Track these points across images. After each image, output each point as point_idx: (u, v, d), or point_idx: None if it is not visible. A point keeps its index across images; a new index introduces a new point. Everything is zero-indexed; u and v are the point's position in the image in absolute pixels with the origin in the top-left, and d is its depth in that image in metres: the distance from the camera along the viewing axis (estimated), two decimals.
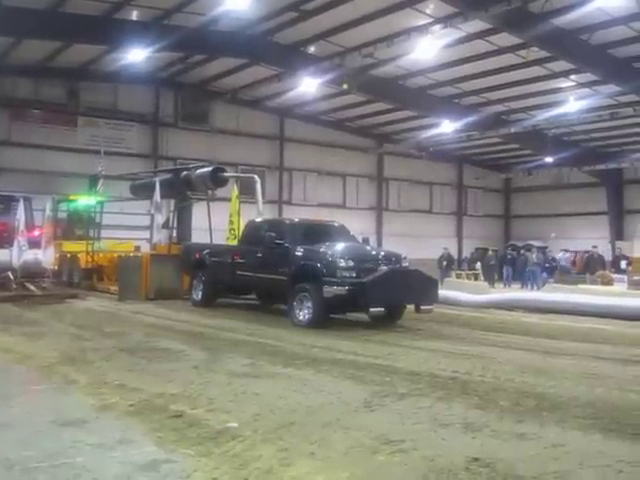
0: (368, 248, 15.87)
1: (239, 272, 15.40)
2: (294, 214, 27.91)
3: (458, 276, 31.66)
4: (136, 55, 23.38)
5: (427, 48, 22.21)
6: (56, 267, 21.98)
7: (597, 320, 15.24)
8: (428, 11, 21.34)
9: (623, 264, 29.72)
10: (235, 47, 24.41)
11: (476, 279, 31.52)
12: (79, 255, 22.05)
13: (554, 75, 25.71)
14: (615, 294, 20.21)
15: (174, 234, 20.75)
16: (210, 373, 8.14)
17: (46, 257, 19.57)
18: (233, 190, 19.66)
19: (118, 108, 30.36)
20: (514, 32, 21.47)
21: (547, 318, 15.89)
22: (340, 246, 14.06)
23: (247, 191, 20.79)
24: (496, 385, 7.73)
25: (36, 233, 20.72)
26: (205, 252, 17.05)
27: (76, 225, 24.43)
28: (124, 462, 4.76)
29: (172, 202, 22.11)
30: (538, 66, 24.82)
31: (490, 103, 30.25)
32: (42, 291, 18.68)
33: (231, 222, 19.08)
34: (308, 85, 26.92)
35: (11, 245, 19.18)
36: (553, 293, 19.93)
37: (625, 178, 37.54)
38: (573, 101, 27.11)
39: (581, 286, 23.86)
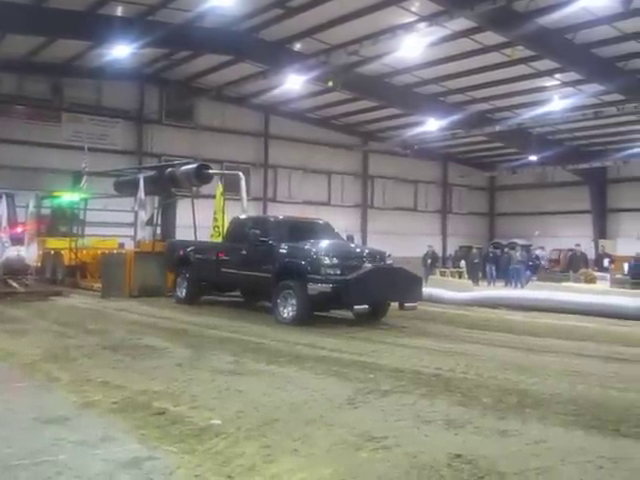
0: (352, 246, 15.90)
1: (223, 269, 15.37)
2: (279, 211, 27.84)
3: (442, 274, 31.75)
4: (121, 51, 23.28)
5: (412, 46, 22.23)
6: (39, 264, 21.88)
7: (580, 318, 15.34)
8: (414, 9, 21.38)
9: (606, 262, 29.92)
10: (220, 44, 24.35)
11: (460, 277, 31.61)
12: (62, 252, 21.90)
13: (539, 74, 25.85)
14: (598, 292, 20.33)
15: (158, 231, 20.68)
16: (194, 370, 8.13)
17: (29, 254, 19.47)
18: (218, 187, 19.62)
19: (102, 104, 30.22)
20: (499, 31, 21.57)
21: (531, 316, 15.97)
22: (324, 244, 14.07)
23: (232, 188, 20.78)
24: (479, 382, 7.76)
25: (19, 230, 20.63)
26: (189, 249, 17.01)
27: (60, 222, 24.25)
28: (106, 459, 4.74)
29: (156, 199, 22.06)
30: (523, 65, 24.95)
31: (475, 101, 30.35)
32: (25, 288, 18.57)
33: (215, 219, 19.04)
34: (293, 82, 26.89)
35: None
36: (536, 291, 20.03)
37: (608, 177, 37.83)
38: (557, 100, 27.26)
39: (564, 284, 24.00)
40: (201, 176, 19.34)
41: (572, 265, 29.25)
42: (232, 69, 28.20)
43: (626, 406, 6.70)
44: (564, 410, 6.44)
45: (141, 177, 20.18)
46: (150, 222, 21.03)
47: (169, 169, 20.16)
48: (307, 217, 19.01)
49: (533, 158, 34.22)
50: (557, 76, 26.06)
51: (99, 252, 21.16)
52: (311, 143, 36.15)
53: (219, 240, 17.56)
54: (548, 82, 26.78)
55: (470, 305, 18.28)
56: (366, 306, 12.85)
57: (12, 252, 19.11)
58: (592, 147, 35.93)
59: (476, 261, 31.44)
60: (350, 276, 12.75)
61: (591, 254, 32.36)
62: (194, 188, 21.06)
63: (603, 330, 13.64)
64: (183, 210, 20.66)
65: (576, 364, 9.25)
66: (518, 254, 29.47)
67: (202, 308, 15.75)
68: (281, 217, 16.91)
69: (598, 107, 27.50)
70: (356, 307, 12.84)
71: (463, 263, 33.41)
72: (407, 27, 21.11)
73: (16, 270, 19.32)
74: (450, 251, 41.01)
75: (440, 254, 37.61)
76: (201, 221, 20.05)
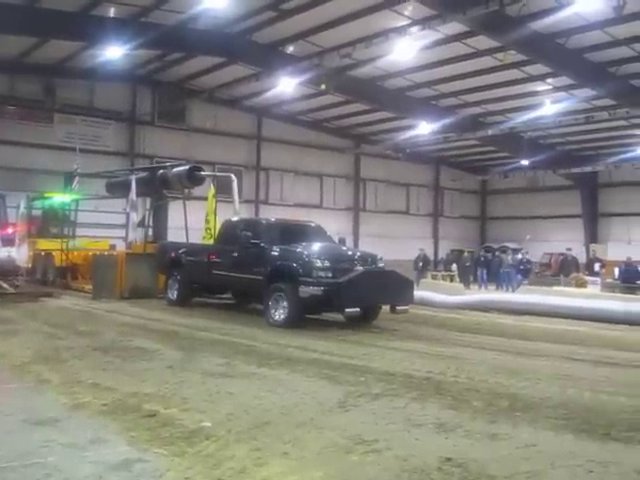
0: (344, 249, 15.88)
1: (215, 271, 15.35)
2: (271, 214, 27.88)
3: (434, 277, 31.85)
4: (113, 52, 23.20)
5: (405, 49, 22.22)
6: (30, 265, 21.81)
7: (571, 322, 15.40)
8: (406, 13, 21.41)
9: (597, 267, 30.01)
10: (213, 46, 24.34)
11: (452, 280, 31.71)
12: (54, 253, 21.82)
13: (531, 78, 25.93)
14: (588, 296, 20.39)
15: (150, 233, 20.64)
16: (184, 372, 8.11)
17: (20, 255, 19.42)
18: (210, 189, 19.61)
19: (95, 105, 30.15)
20: (492, 35, 21.61)
21: (522, 319, 16.00)
22: (316, 246, 14.08)
23: (224, 190, 20.75)
24: (470, 386, 7.76)
25: (10, 231, 20.53)
26: (181, 251, 16.98)
27: (51, 223, 24.16)
28: (96, 462, 4.73)
29: (148, 200, 21.98)
30: (515, 69, 25.03)
31: (467, 105, 30.42)
32: (16, 289, 18.49)
33: (207, 221, 19.03)
34: (286, 85, 26.87)
35: None
36: (528, 295, 20.08)
37: (600, 181, 38.01)
38: (549, 104, 27.32)
39: (555, 288, 24.09)
40: (193, 178, 19.29)
41: (563, 269, 29.33)
42: (225, 71, 28.19)
43: (616, 410, 6.72)
44: (554, 414, 6.45)
45: (133, 178, 20.13)
46: (142, 224, 20.98)
47: (161, 171, 20.10)
48: (299, 220, 18.99)
49: (525, 162, 34.32)
50: (549, 81, 26.15)
51: (90, 253, 21.11)
52: (303, 146, 36.17)
53: (211, 242, 17.55)
54: (540, 86, 26.86)
55: (461, 309, 18.31)
56: (357, 309, 12.84)
57: (2, 253, 19.03)
58: (583, 152, 36.06)
59: (467, 265, 31.50)
60: (342, 279, 12.75)
61: (582, 258, 32.44)
62: (186, 190, 21.00)
63: (594, 334, 13.68)
64: (175, 212, 20.61)
65: (566, 368, 9.28)
66: (509, 258, 29.54)
67: (193, 310, 15.71)
68: (273, 220, 16.92)
69: (590, 112, 27.59)
70: (347, 310, 12.83)
71: (454, 266, 33.49)
72: (400, 30, 21.14)
73: (7, 271, 19.23)
74: (442, 254, 41.05)
75: (432, 257, 37.61)
76: (193, 223, 20.01)
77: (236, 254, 14.77)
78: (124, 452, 4.97)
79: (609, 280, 26.94)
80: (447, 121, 30.25)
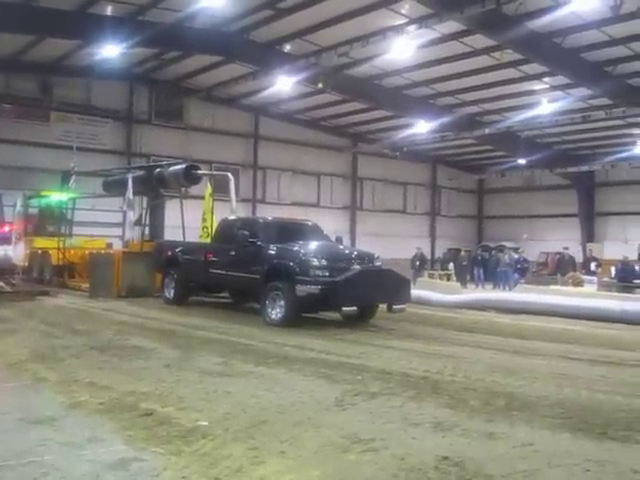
0: (341, 247, 15.90)
1: (212, 270, 15.35)
2: (268, 213, 27.84)
3: (431, 276, 31.82)
4: (110, 50, 23.15)
5: (402, 48, 22.22)
6: (26, 264, 21.79)
7: (568, 321, 15.43)
8: (403, 11, 21.39)
9: (593, 266, 30.04)
10: (210, 44, 24.30)
11: (449, 279, 31.69)
12: (50, 252, 21.79)
13: (528, 77, 25.92)
14: (585, 295, 20.43)
15: (147, 231, 20.64)
16: (181, 371, 8.11)
17: (16, 253, 19.42)
18: (206, 188, 19.60)
19: (92, 104, 30.07)
20: (488, 34, 21.61)
21: (519, 319, 16.03)
22: (313, 245, 14.09)
23: (221, 189, 20.72)
24: (467, 385, 7.77)
25: (6, 229, 20.51)
26: (178, 250, 16.99)
27: (47, 221, 24.14)
28: (93, 460, 4.73)
29: (145, 199, 21.96)
30: (512, 68, 25.02)
31: (464, 104, 30.42)
32: (12, 288, 18.49)
33: (204, 220, 19.03)
34: (283, 83, 26.86)
35: None
36: (525, 294, 20.10)
37: (596, 181, 38.03)
38: (546, 103, 27.32)
39: (552, 287, 24.10)
40: (190, 177, 19.29)
41: (560, 268, 29.35)
42: (222, 70, 28.15)
43: (613, 409, 6.74)
44: (551, 413, 6.47)
45: (130, 177, 20.11)
46: (138, 222, 20.98)
47: (158, 169, 20.10)
48: (296, 219, 19.00)
49: (522, 161, 34.33)
50: (546, 80, 26.14)
51: (87, 252, 21.08)
52: (300, 144, 36.14)
53: (208, 241, 17.55)
54: (537, 86, 26.85)
55: (458, 307, 18.34)
56: (354, 308, 12.89)
57: None
58: (580, 151, 36.07)
59: (464, 263, 31.47)
60: (339, 278, 12.76)
61: (579, 257, 32.44)
62: (183, 189, 21.02)
63: (590, 333, 13.72)
64: (172, 210, 20.61)
65: (563, 367, 9.30)
66: (506, 257, 29.53)
67: (190, 309, 15.72)
68: (270, 218, 16.93)
69: (586, 111, 27.59)
70: (344, 309, 12.88)
71: (451, 265, 33.44)
72: (397, 29, 21.13)
73: (3, 269, 19.24)
74: (439, 253, 41.01)
75: (429, 256, 37.64)
76: (190, 222, 19.98)
77: (233, 253, 14.79)
78: (121, 451, 4.97)
79: (606, 279, 26.94)
80: (444, 120, 30.22)
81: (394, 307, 13.68)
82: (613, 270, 27.50)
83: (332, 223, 31.08)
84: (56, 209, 23.90)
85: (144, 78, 30.58)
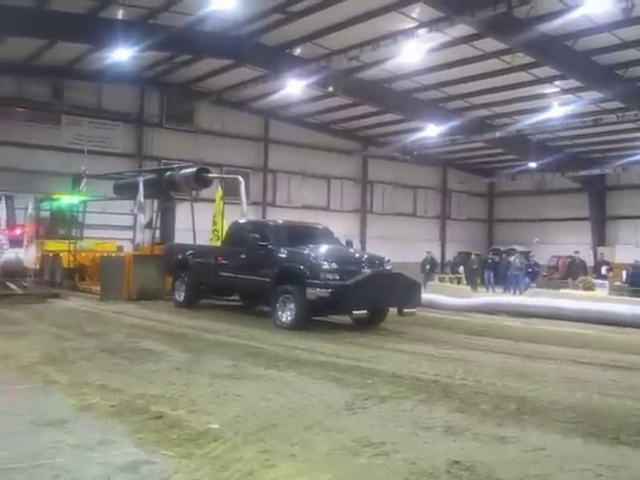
0: (351, 251, 15.85)
1: (222, 273, 15.37)
2: (278, 216, 27.86)
3: (441, 280, 31.81)
4: (121, 54, 23.22)
5: (413, 52, 22.18)
6: (38, 266, 21.85)
7: (578, 325, 15.35)
8: (414, 15, 21.38)
9: (604, 270, 29.93)
10: (221, 48, 24.36)
11: (459, 283, 31.67)
12: (61, 254, 21.88)
13: (539, 81, 25.86)
14: (596, 299, 20.34)
15: (157, 234, 20.68)
16: (192, 374, 8.12)
17: (28, 256, 19.47)
18: (217, 191, 19.62)
19: (103, 107, 30.19)
20: (499, 37, 21.57)
21: (529, 322, 15.96)
22: (323, 248, 14.07)
23: (231, 192, 20.76)
24: (477, 388, 7.75)
25: (18, 232, 20.60)
26: (188, 253, 17.00)
27: (59, 224, 24.22)
28: (104, 463, 4.74)
29: (155, 202, 22.01)
30: (523, 72, 24.94)
31: (475, 108, 30.37)
32: (23, 290, 18.58)
33: (214, 223, 19.04)
34: (293, 87, 26.90)
35: None
36: (535, 298, 20.03)
37: (607, 184, 37.85)
38: (557, 107, 27.27)
39: (563, 291, 24.02)
40: (200, 180, 19.33)
41: (571, 272, 29.28)
42: (232, 73, 28.20)
43: (625, 414, 6.70)
44: (563, 417, 6.44)
45: (141, 180, 20.15)
46: (149, 225, 21.04)
47: (169, 172, 20.14)
48: (306, 222, 18.99)
49: (532, 165, 34.21)
50: (557, 83, 26.08)
51: (98, 255, 21.15)
52: (311, 148, 36.15)
53: (218, 244, 17.57)
54: (548, 89, 26.79)
55: (469, 311, 18.27)
56: (365, 311, 12.85)
57: (11, 254, 19.12)
58: (591, 154, 35.93)
59: (475, 267, 31.42)
60: (349, 281, 12.74)
61: (590, 261, 32.35)
62: (193, 192, 21.07)
63: (601, 337, 13.65)
64: (182, 213, 20.64)
65: (574, 371, 9.26)
66: (517, 260, 29.47)
67: (201, 312, 15.72)
68: (280, 222, 16.90)
69: (598, 114, 27.51)
70: (355, 312, 12.84)
71: (462, 269, 33.44)
72: (407, 33, 21.11)
73: (15, 272, 19.32)
74: (449, 257, 41.00)
75: (439, 260, 37.57)
76: (200, 225, 20.01)
77: (243, 256, 14.80)
78: (132, 453, 4.97)
79: (617, 283, 26.85)
80: (454, 123, 30.20)
81: (404, 311, 13.67)
82: (624, 274, 27.41)
83: (342, 226, 31.02)
84: (67, 212, 24.02)
85: (155, 81, 30.68)
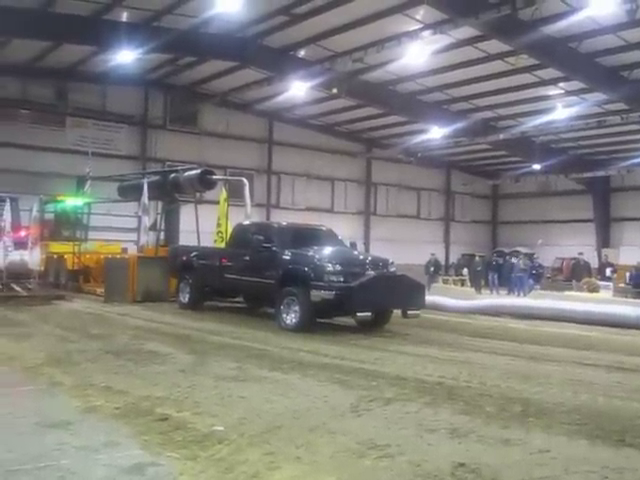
0: (355, 253, 15.82)
1: (226, 275, 15.37)
2: (282, 218, 27.90)
3: (445, 282, 31.77)
4: (125, 56, 23.26)
5: (417, 54, 22.22)
6: (42, 268, 21.84)
7: (582, 327, 15.32)
8: (418, 17, 21.39)
9: (608, 271, 29.88)
10: (225, 50, 24.41)
11: (463, 285, 31.63)
12: (66, 256, 21.89)
13: (543, 82, 25.85)
14: (600, 301, 20.31)
15: (161, 236, 20.70)
16: (196, 376, 8.12)
17: (32, 258, 19.45)
18: (221, 193, 19.63)
19: (107, 109, 30.28)
20: (503, 39, 21.58)
21: (533, 324, 15.94)
22: (328, 250, 14.06)
23: (235, 194, 20.77)
24: (482, 391, 7.74)
25: (22, 234, 20.60)
26: (192, 255, 17.01)
27: (63, 226, 24.24)
28: (109, 465, 4.74)
29: (160, 204, 22.05)
30: (527, 73, 24.96)
31: (479, 109, 30.36)
32: (28, 292, 18.57)
33: (219, 225, 19.03)
34: (298, 89, 26.91)
35: None
36: (539, 299, 20.01)
37: (612, 186, 37.80)
38: (561, 109, 27.26)
39: (567, 293, 23.98)
40: (205, 182, 19.38)
41: (575, 274, 29.24)
42: (236, 75, 28.24)
43: (630, 416, 6.69)
44: (568, 419, 6.42)
45: (145, 182, 20.19)
46: (153, 227, 21.03)
47: (173, 174, 20.20)
48: (310, 224, 19.00)
49: (536, 166, 34.21)
50: (561, 85, 26.08)
51: (102, 257, 21.15)
52: (315, 149, 36.19)
53: (222, 246, 17.58)
54: (552, 91, 26.78)
55: (473, 313, 18.26)
56: (369, 313, 12.88)
57: (15, 256, 19.11)
58: (596, 156, 35.91)
59: (479, 269, 31.40)
60: (353, 283, 12.72)
61: (594, 263, 32.29)
62: (197, 194, 21.09)
63: (605, 339, 13.63)
64: (186, 215, 20.70)
65: (579, 373, 9.24)
66: (521, 262, 29.45)
67: (205, 314, 15.74)
68: (284, 223, 16.93)
69: (602, 116, 27.51)
70: (359, 314, 12.84)
71: (466, 271, 33.39)
72: (412, 35, 21.11)
73: (19, 274, 19.32)
74: (453, 259, 40.94)
75: (443, 262, 37.56)
76: (204, 227, 20.04)
77: (248, 258, 14.80)
78: (137, 455, 4.97)
79: (621, 285, 26.79)
80: (459, 125, 30.22)
81: (409, 313, 13.63)
82: (628, 276, 27.35)
83: (346, 228, 31.02)
84: (72, 214, 24.05)
85: (159, 83, 30.73)
